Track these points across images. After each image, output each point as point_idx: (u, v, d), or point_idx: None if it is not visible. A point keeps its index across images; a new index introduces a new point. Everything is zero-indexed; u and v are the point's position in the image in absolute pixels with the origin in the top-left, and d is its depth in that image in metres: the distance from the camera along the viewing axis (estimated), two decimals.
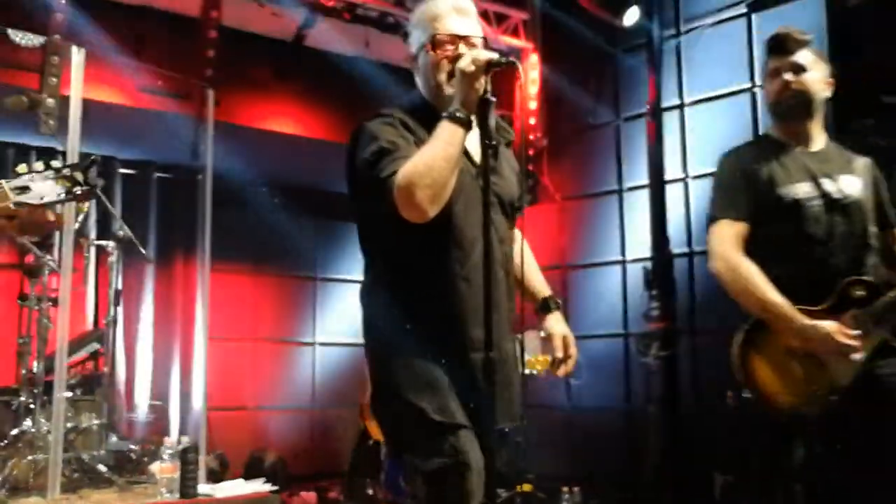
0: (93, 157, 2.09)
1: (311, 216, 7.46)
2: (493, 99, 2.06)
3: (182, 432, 6.25)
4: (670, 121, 6.19)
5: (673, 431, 5.50)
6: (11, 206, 1.87)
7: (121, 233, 5.44)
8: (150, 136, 6.14)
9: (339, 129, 6.47)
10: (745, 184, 2.65)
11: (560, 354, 2.34)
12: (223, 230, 6.08)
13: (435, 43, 2.20)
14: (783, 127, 2.79)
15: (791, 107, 2.73)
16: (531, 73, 7.17)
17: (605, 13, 6.46)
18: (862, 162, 2.77)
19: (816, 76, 2.74)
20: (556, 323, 2.39)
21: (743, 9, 5.93)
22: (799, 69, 2.73)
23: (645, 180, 6.08)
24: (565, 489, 5.66)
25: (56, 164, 1.92)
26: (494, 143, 2.08)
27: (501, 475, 5.93)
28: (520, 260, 2.28)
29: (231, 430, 6.80)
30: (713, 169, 6.12)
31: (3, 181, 1.89)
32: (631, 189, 6.40)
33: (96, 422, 5.00)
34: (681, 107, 6.22)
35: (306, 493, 6.50)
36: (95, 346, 5.43)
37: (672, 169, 6.13)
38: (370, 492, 6.60)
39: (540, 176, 7.10)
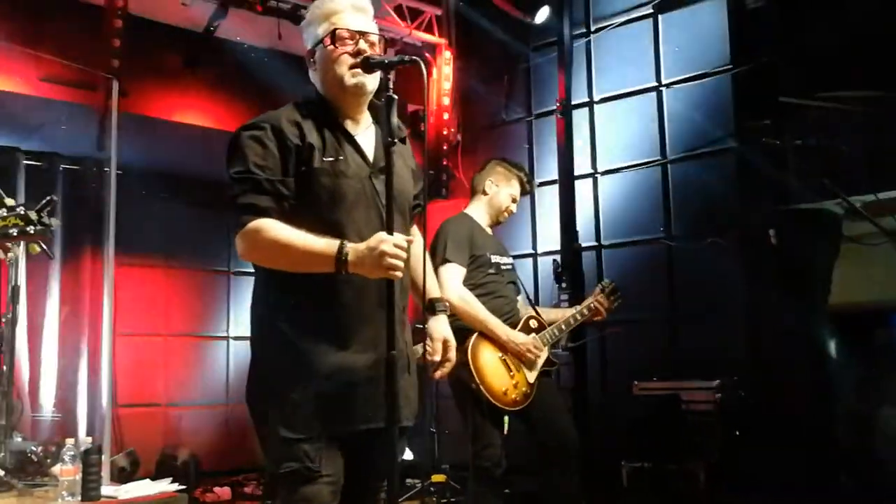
0: (49, 198, 2.04)
1: (224, 209, 7.34)
2: (396, 97, 2.06)
3: (90, 432, 6.10)
4: (580, 118, 6.33)
5: (582, 421, 5.63)
6: None
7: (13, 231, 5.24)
8: (54, 126, 5.96)
9: None
10: (467, 242, 3.73)
11: (437, 358, 2.29)
12: (134, 224, 5.95)
13: (335, 37, 2.20)
14: (491, 221, 3.95)
15: (501, 221, 3.98)
16: (444, 69, 7.22)
17: (516, 11, 6.57)
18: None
19: None
20: (438, 325, 2.34)
21: (650, 9, 6.11)
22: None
23: (555, 175, 6.22)
24: None
25: (10, 202, 1.88)
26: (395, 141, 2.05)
27: (414, 466, 5.99)
28: (418, 257, 2.30)
29: (143, 427, 6.65)
30: (621, 164, 6.29)
31: None
32: (542, 184, 6.51)
33: None
34: (590, 104, 6.37)
35: (220, 488, 6.43)
36: None
37: (581, 165, 6.28)
38: None
39: (454, 170, 7.17)
